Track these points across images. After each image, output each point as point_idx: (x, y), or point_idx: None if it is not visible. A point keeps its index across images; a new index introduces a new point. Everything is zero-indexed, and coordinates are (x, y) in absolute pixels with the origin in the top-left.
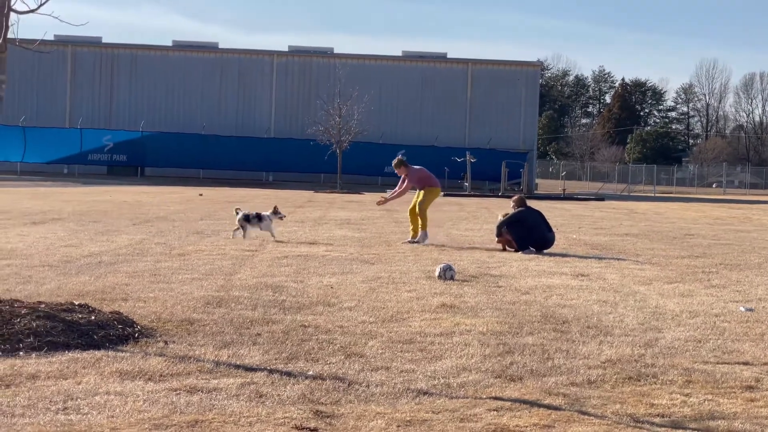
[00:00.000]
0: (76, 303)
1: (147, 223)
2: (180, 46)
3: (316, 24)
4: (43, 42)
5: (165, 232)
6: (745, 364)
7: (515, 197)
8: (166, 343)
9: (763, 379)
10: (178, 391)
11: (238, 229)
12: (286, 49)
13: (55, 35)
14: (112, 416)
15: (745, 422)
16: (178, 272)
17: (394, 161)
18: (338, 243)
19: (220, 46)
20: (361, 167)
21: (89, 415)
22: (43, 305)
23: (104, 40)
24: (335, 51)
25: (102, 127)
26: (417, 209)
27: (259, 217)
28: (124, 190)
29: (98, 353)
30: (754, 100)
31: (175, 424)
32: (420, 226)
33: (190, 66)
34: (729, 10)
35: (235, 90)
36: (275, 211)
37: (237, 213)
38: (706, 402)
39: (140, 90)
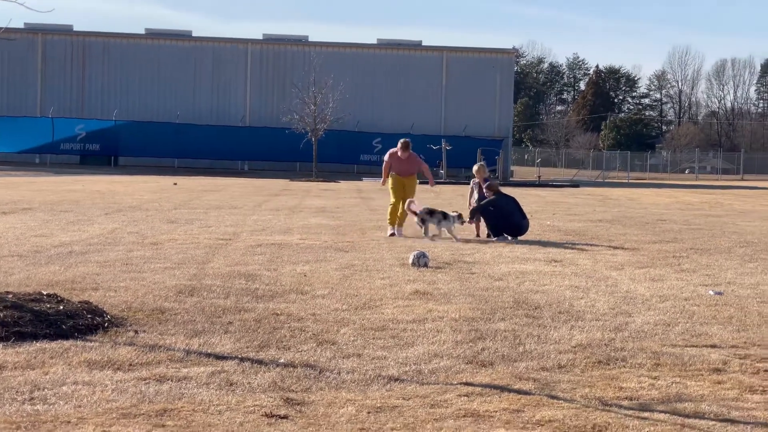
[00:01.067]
0: (45, 293)
1: (120, 212)
2: (153, 35)
3: (290, 12)
4: (11, 30)
5: (138, 222)
6: (713, 346)
7: (489, 183)
8: (136, 332)
9: (731, 362)
10: (147, 380)
11: (426, 226)
12: (261, 38)
13: (25, 23)
14: (80, 406)
15: (712, 404)
16: (150, 261)
17: (407, 141)
18: (313, 231)
19: (193, 35)
20: (336, 155)
21: (56, 405)
22: (10, 295)
23: (75, 28)
24: (310, 39)
25: (74, 116)
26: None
27: (444, 216)
28: (97, 179)
29: (66, 343)
30: (725, 87)
31: (143, 414)
32: (399, 220)
33: (163, 54)
34: None
35: (209, 78)
36: (458, 216)
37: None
38: (673, 384)
39: (113, 79)
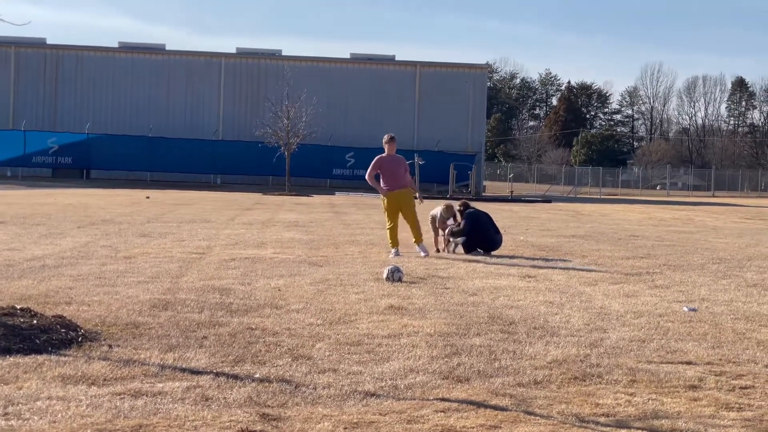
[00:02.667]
0: (18, 307)
1: (92, 225)
2: (126, 48)
3: (264, 26)
4: None
5: (111, 235)
6: (689, 363)
7: (460, 202)
8: (110, 346)
9: (706, 379)
10: (122, 396)
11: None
12: (234, 51)
13: None
14: (54, 421)
15: (689, 421)
16: (123, 275)
17: (392, 135)
18: (286, 245)
19: (167, 48)
20: (309, 169)
21: (30, 421)
22: None
23: (49, 41)
24: (283, 53)
25: (46, 128)
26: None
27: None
28: (70, 192)
29: (40, 358)
30: (696, 104)
31: (118, 429)
32: (419, 235)
33: (136, 68)
34: (674, 13)
35: (182, 92)
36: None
37: None
38: (650, 401)
39: (86, 92)
